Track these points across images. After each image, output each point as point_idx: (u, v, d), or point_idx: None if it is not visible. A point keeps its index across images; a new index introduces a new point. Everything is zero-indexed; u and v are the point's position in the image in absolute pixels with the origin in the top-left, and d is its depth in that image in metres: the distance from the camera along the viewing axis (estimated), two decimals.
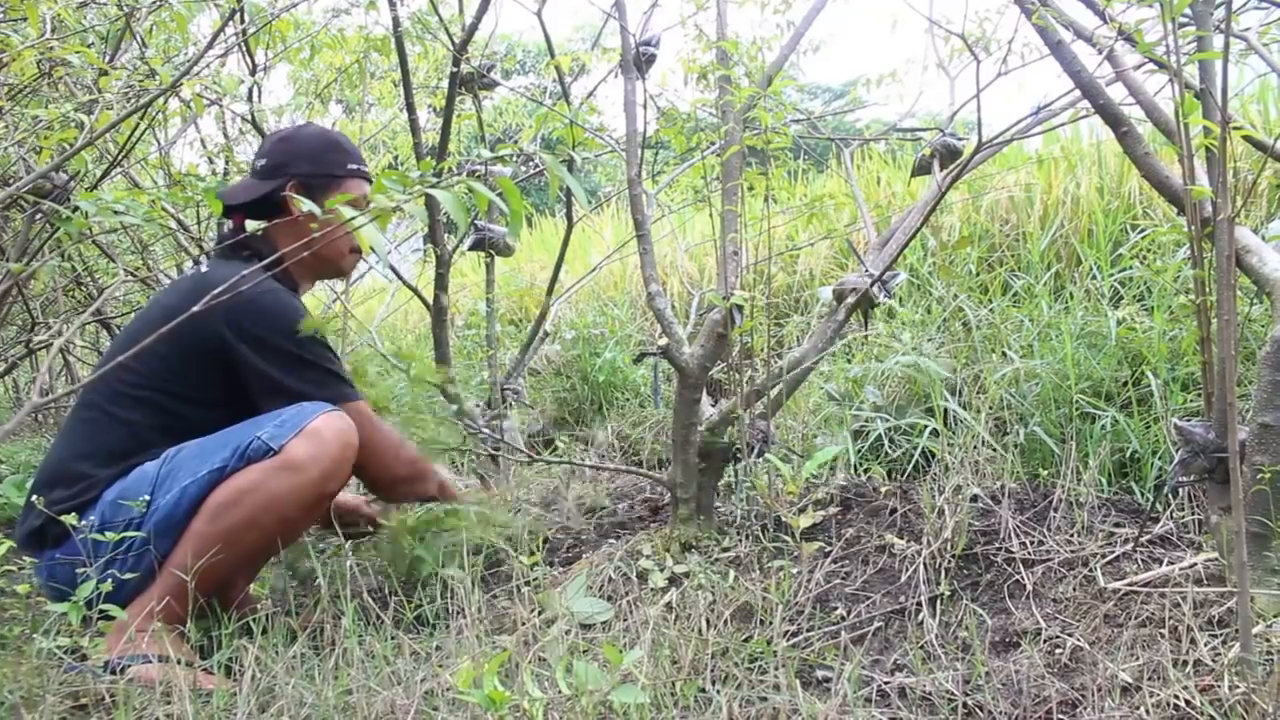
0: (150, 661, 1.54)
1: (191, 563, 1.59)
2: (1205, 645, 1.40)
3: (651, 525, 2.25)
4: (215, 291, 1.27)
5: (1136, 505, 2.00)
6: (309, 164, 1.90)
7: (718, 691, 1.40)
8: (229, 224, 1.95)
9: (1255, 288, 1.56)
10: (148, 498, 1.63)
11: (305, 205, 1.26)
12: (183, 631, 1.59)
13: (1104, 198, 3.41)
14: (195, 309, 1.26)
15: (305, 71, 3.58)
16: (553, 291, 2.80)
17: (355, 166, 1.94)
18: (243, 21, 2.50)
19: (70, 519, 1.54)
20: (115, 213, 1.42)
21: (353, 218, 1.14)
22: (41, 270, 3.05)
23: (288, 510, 1.67)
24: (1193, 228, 1.48)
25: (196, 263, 1.88)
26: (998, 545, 1.83)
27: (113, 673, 1.52)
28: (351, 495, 2.14)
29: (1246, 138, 1.67)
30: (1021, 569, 1.74)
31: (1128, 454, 2.21)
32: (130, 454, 1.70)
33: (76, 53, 1.98)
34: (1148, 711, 1.28)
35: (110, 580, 1.54)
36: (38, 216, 2.40)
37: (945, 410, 2.44)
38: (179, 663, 1.48)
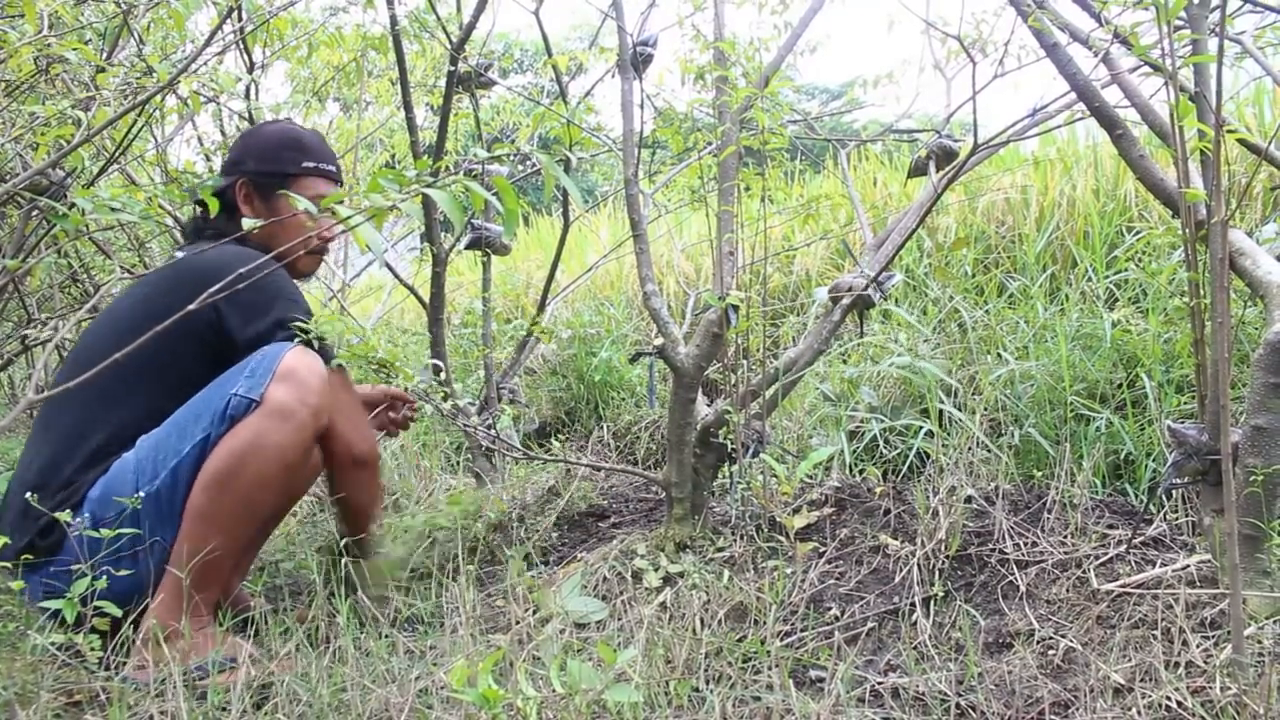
0: (227, 667, 1.51)
1: (217, 538, 1.56)
2: (1197, 647, 1.40)
3: (646, 525, 2.25)
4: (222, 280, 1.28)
5: (1130, 507, 2.01)
6: (259, 161, 1.87)
7: (711, 691, 1.40)
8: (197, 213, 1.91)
9: (1249, 290, 1.56)
10: (137, 490, 1.58)
11: (301, 204, 1.26)
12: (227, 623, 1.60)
13: (1100, 200, 3.42)
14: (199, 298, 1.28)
15: (303, 69, 3.58)
16: (549, 291, 2.80)
17: (312, 164, 1.89)
18: (240, 19, 2.49)
19: (66, 517, 1.53)
20: (112, 210, 1.42)
21: (348, 216, 1.14)
22: (37, 267, 3.04)
23: (291, 457, 1.61)
24: (1187, 230, 1.49)
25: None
26: (991, 546, 1.84)
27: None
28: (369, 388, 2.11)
29: (1241, 141, 1.68)
30: (1015, 570, 1.75)
31: (1122, 456, 2.21)
32: (112, 452, 1.64)
33: (74, 49, 1.98)
34: (1139, 713, 1.29)
35: (134, 574, 1.55)
36: (34, 213, 2.39)
37: (940, 411, 2.44)
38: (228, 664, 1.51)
